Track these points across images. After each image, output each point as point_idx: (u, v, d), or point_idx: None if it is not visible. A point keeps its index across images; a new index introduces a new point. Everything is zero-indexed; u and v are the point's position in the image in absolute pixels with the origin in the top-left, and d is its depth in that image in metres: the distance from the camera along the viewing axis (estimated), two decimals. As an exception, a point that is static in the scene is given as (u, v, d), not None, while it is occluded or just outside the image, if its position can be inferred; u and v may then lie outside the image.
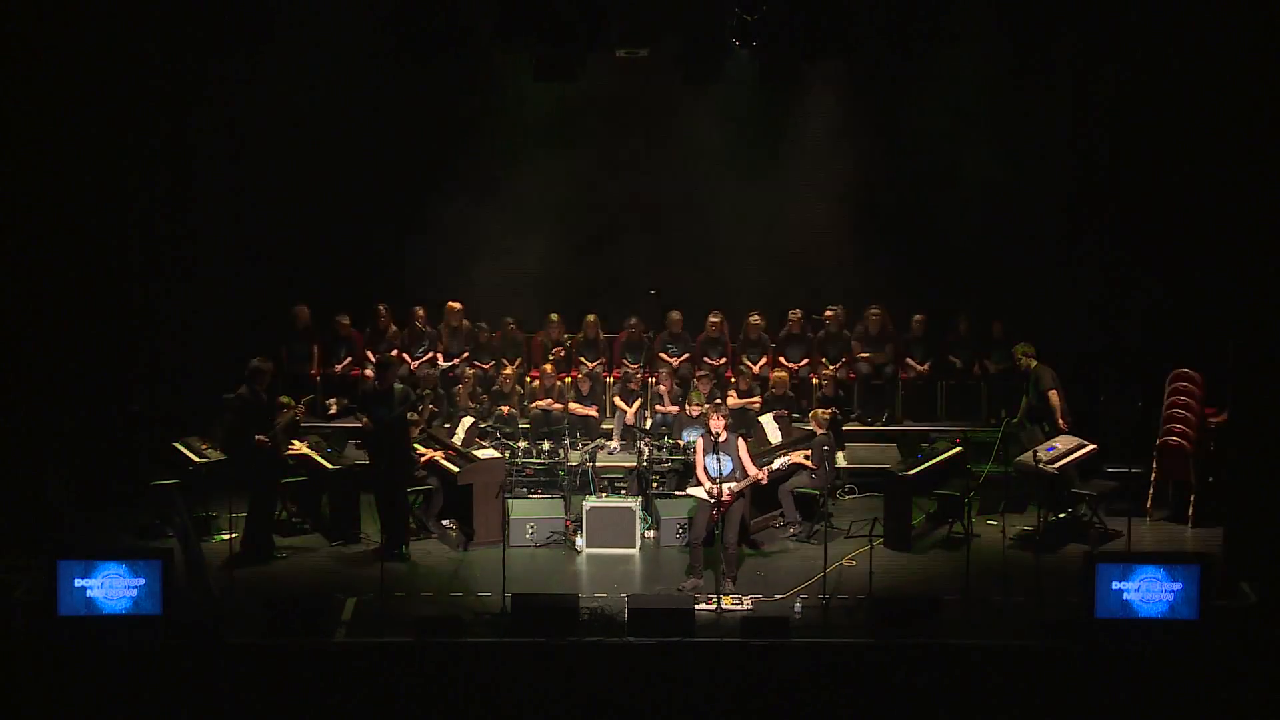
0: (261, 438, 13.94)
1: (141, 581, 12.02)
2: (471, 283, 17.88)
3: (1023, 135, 17.75)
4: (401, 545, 14.12)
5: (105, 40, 14.65)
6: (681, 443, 15.34)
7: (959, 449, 15.22)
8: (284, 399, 14.77)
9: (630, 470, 15.65)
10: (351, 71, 17.40)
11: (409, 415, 14.36)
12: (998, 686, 11.80)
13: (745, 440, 13.83)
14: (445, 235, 17.81)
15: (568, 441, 15.78)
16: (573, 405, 16.91)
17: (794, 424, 16.26)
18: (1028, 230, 17.93)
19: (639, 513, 14.49)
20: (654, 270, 17.87)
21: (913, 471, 14.71)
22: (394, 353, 16.77)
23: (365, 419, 14.22)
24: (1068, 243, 17.59)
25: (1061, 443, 14.65)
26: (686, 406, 15.91)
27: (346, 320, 17.62)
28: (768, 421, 16.02)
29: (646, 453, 15.34)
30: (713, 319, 17.68)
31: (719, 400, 15.57)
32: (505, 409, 16.57)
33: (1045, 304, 17.55)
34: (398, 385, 14.25)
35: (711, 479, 13.15)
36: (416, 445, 14.80)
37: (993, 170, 17.76)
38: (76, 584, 11.97)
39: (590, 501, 14.60)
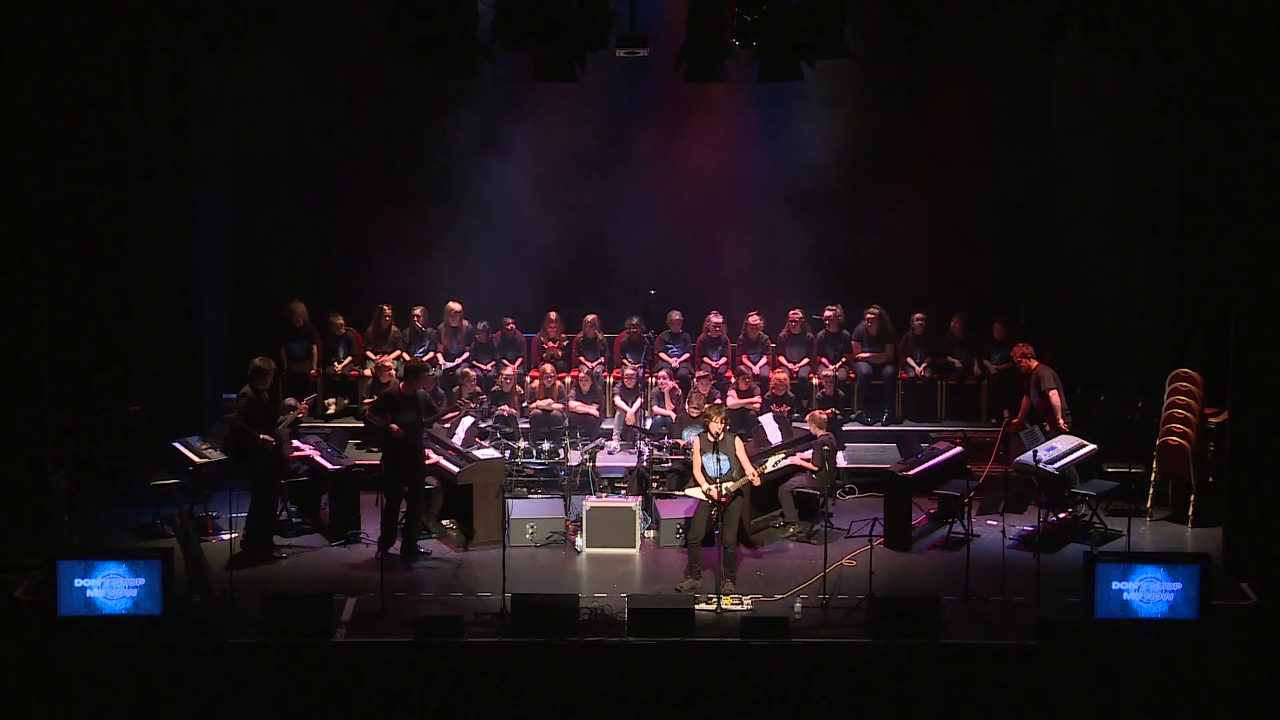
0: (266, 437, 13.93)
1: (141, 581, 12.02)
2: (471, 283, 17.89)
3: (1022, 132, 17.75)
4: (417, 546, 14.13)
5: (105, 39, 14.62)
6: (682, 443, 15.34)
7: (959, 449, 15.23)
8: (287, 399, 14.76)
9: (630, 470, 15.65)
10: (351, 71, 17.45)
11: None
12: (998, 686, 11.80)
13: (744, 441, 13.82)
14: (444, 235, 17.81)
15: (568, 441, 15.79)
16: (573, 405, 16.92)
17: (794, 424, 16.27)
18: (1028, 230, 17.96)
19: (639, 513, 14.49)
20: (653, 270, 17.85)
21: (913, 471, 14.72)
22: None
23: (394, 425, 13.90)
24: (1069, 242, 17.62)
25: (1061, 443, 14.66)
26: (686, 406, 15.90)
27: (340, 320, 17.62)
28: (768, 421, 16.02)
29: (646, 453, 15.33)
30: (713, 319, 17.68)
31: (718, 400, 15.56)
32: (505, 409, 16.58)
33: (1045, 304, 17.56)
34: (420, 391, 14.22)
35: (710, 479, 13.14)
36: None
37: (993, 168, 17.80)
38: (76, 584, 11.98)
39: (590, 501, 14.60)
